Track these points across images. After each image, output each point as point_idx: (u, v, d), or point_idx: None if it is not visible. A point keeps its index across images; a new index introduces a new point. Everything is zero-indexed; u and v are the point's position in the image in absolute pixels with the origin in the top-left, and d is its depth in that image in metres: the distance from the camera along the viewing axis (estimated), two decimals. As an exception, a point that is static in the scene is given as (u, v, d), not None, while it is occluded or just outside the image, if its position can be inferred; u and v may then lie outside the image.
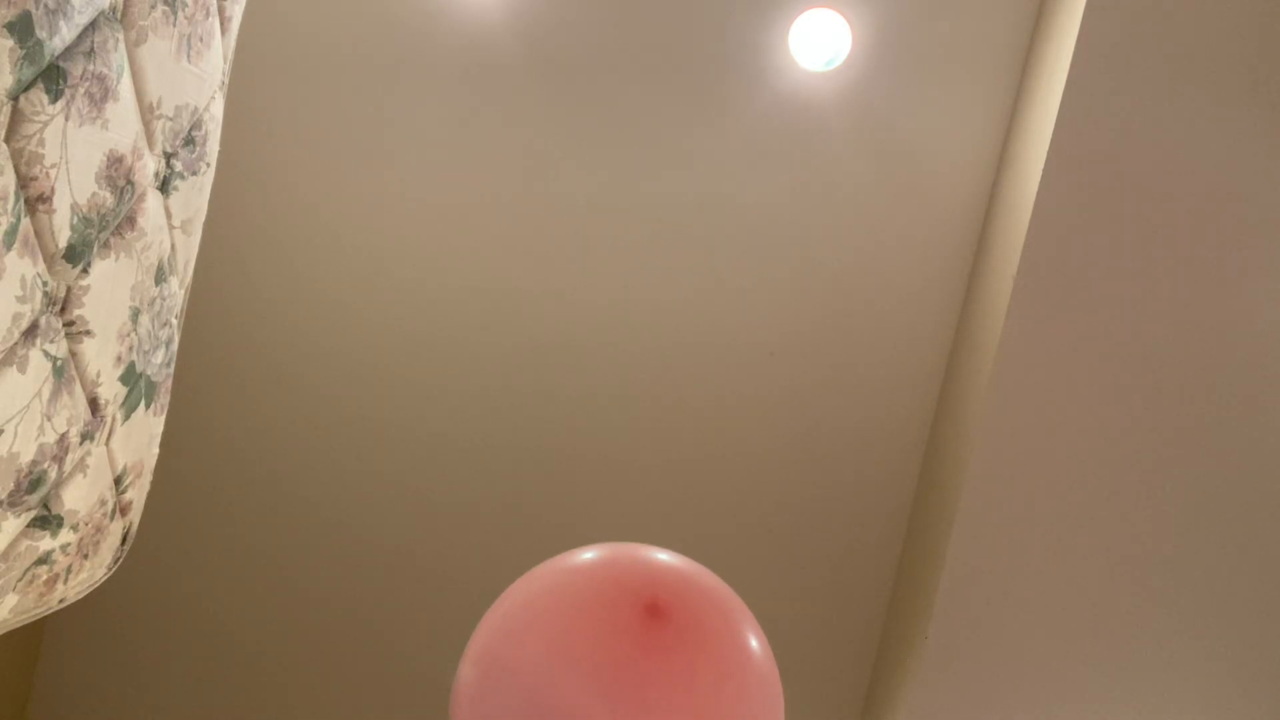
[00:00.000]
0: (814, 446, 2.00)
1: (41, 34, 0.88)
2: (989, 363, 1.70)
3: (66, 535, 1.13)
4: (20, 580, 1.08)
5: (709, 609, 1.21)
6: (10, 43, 0.85)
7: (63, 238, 0.98)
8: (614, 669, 1.10)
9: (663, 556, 1.26)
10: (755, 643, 1.21)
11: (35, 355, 0.98)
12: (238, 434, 2.01)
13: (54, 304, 1.01)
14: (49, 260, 0.98)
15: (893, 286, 1.96)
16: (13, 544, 1.04)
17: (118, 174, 1.05)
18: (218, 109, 1.29)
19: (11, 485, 0.98)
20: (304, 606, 2.04)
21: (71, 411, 1.07)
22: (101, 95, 0.99)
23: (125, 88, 1.03)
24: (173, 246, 1.24)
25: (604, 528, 1.94)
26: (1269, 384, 1.69)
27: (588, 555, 1.26)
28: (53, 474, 1.06)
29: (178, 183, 1.21)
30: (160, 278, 1.21)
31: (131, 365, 1.18)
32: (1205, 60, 1.63)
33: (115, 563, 1.32)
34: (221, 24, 1.24)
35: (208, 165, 1.29)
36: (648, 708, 1.08)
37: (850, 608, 2.02)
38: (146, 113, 1.10)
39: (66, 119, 0.94)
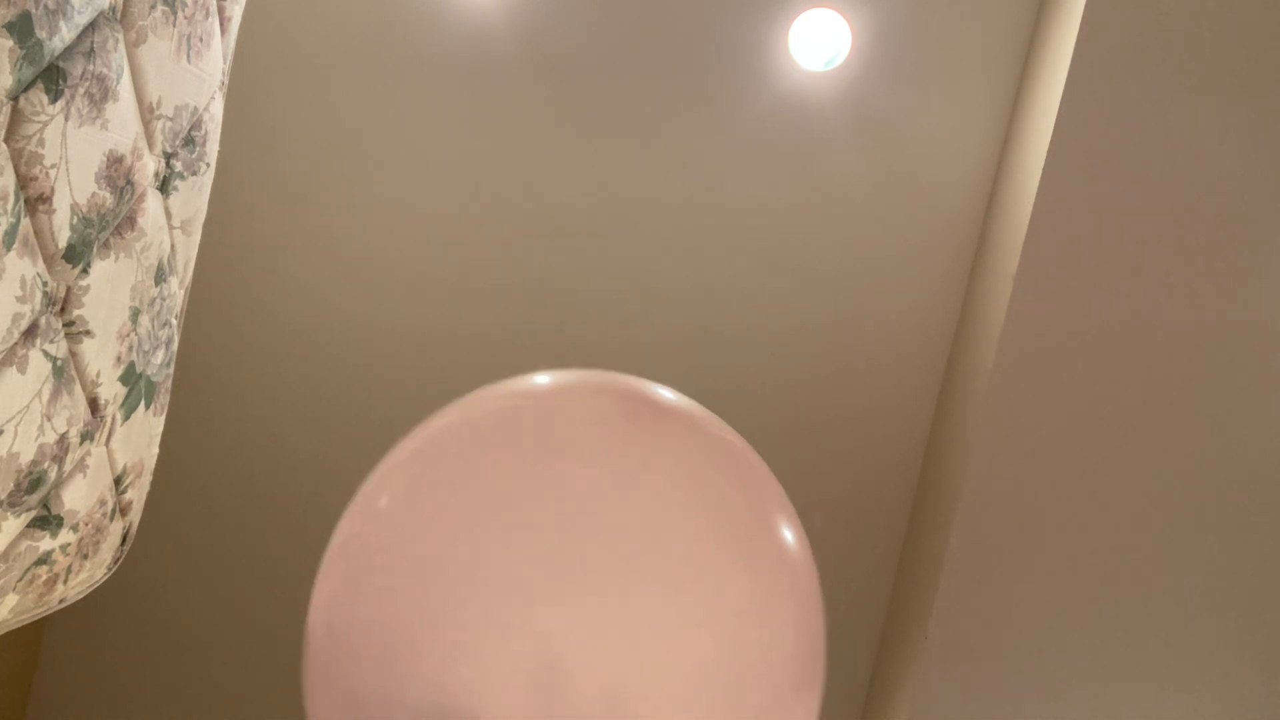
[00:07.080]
0: (813, 447, 2.00)
1: (41, 34, 0.88)
2: (989, 362, 1.70)
3: (66, 535, 1.13)
4: (20, 580, 1.08)
5: (703, 413, 0.91)
6: (10, 43, 0.85)
7: (62, 238, 0.98)
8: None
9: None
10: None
11: (35, 355, 0.98)
12: (237, 434, 2.01)
13: (54, 304, 1.01)
14: (49, 260, 0.98)
15: (893, 286, 1.96)
16: (13, 544, 1.04)
17: (117, 174, 1.05)
18: (217, 109, 1.29)
19: (11, 485, 0.98)
20: (305, 608, 2.04)
21: (71, 411, 1.06)
22: (101, 95, 0.99)
23: (125, 88, 1.03)
24: (172, 247, 1.24)
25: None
26: (1269, 383, 1.69)
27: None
28: (52, 474, 1.06)
29: (177, 183, 1.21)
30: (160, 278, 1.21)
31: (131, 365, 1.18)
32: (1205, 60, 1.63)
33: (115, 563, 1.32)
34: (221, 24, 1.24)
35: (207, 165, 1.29)
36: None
37: (850, 607, 2.02)
38: (146, 113, 1.10)
39: (66, 119, 0.94)
